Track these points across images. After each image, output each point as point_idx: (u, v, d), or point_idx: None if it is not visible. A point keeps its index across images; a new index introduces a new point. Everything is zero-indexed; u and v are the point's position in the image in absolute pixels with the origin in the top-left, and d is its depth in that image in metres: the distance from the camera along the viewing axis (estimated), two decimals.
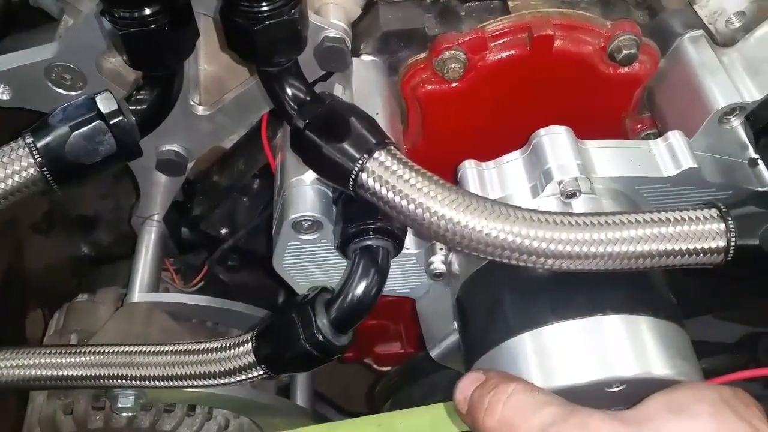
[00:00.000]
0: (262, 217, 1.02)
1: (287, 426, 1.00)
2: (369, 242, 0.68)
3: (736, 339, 1.11)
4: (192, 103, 0.83)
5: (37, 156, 0.63)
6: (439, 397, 0.91)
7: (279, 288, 1.16)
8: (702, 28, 0.78)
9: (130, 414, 0.91)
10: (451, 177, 0.74)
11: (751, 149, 0.74)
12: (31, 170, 0.63)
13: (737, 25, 0.75)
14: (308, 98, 0.64)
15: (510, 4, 0.76)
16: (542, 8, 0.76)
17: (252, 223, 1.02)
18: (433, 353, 0.84)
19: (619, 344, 0.60)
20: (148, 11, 0.59)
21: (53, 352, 0.83)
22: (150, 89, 0.66)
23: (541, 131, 0.71)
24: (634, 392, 0.59)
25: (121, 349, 0.81)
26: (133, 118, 0.66)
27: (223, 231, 1.06)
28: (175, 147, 0.87)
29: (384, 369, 1.27)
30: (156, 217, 1.01)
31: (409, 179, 0.60)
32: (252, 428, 1.05)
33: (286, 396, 1.10)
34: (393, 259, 0.76)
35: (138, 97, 0.67)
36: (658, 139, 0.72)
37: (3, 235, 1.14)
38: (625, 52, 0.76)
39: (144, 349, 0.80)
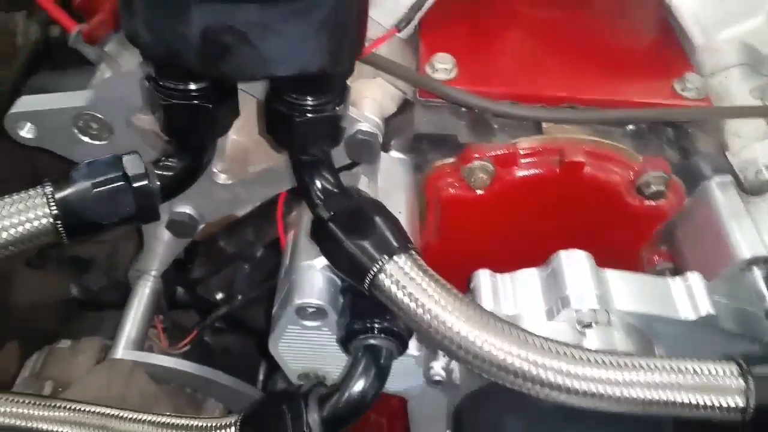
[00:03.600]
0: (261, 289, 1.01)
1: None
2: (373, 341, 0.66)
3: None
4: (214, 170, 0.83)
5: (54, 208, 0.61)
6: None
7: (261, 359, 1.13)
8: (731, 174, 0.78)
9: None
10: (462, 280, 0.73)
11: None
12: (44, 221, 0.62)
13: (767, 176, 0.76)
14: (336, 190, 0.64)
15: (544, 125, 0.77)
16: (575, 134, 0.76)
17: (250, 293, 1.00)
18: None
19: None
20: (194, 86, 0.59)
21: (26, 402, 0.80)
22: (179, 158, 0.65)
23: (562, 255, 0.70)
24: None
25: (98, 410, 0.77)
26: (158, 183, 0.65)
27: (219, 296, 1.04)
28: (188, 210, 0.86)
29: None
30: (154, 273, 0.99)
31: (427, 288, 0.59)
32: None
33: None
34: None
35: (166, 163, 0.66)
36: (677, 278, 0.71)
37: None
38: (653, 187, 0.76)
39: (122, 414, 0.76)
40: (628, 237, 0.82)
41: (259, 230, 0.94)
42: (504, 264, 0.74)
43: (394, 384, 0.78)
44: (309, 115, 0.59)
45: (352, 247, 0.61)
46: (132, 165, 0.62)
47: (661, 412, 0.58)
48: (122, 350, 0.94)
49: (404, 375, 0.77)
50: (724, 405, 0.57)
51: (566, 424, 0.61)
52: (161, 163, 0.65)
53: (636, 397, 0.57)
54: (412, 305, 0.59)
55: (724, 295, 0.74)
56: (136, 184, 0.62)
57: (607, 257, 0.72)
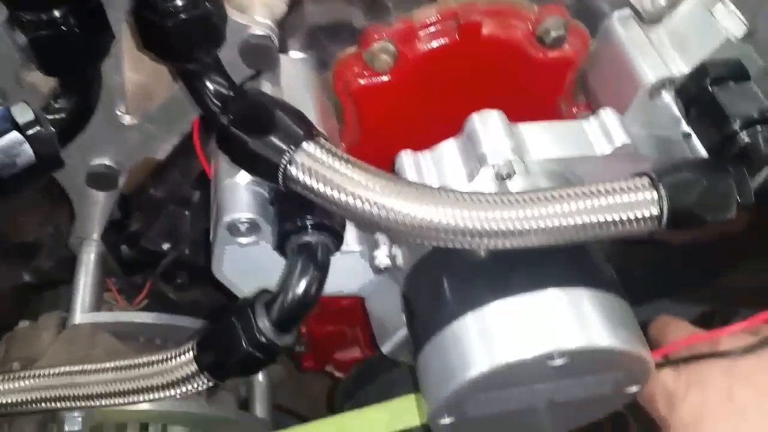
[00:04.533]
0: (204, 229, 1.00)
1: None
2: (307, 239, 0.66)
3: (693, 318, 1.13)
4: (118, 113, 0.81)
5: None
6: (396, 393, 0.90)
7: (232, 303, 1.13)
8: (629, 7, 0.78)
9: None
10: (391, 170, 0.73)
11: (683, 123, 0.75)
12: None
13: (663, 3, 0.76)
14: (231, 94, 0.63)
15: None
16: None
17: (194, 235, 0.99)
18: (385, 349, 0.83)
19: (561, 317, 0.59)
20: (56, 13, 0.57)
21: None
22: (67, 96, 0.64)
23: (474, 116, 0.70)
24: (576, 364, 0.59)
25: (62, 370, 0.78)
26: (52, 128, 0.63)
27: (165, 246, 1.03)
28: (105, 160, 0.85)
29: (345, 376, 1.25)
30: (94, 236, 0.98)
31: (338, 169, 0.59)
32: None
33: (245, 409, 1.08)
34: (338, 258, 0.75)
35: (56, 105, 0.65)
36: (591, 117, 0.72)
37: None
38: (553, 34, 0.76)
39: (85, 368, 0.77)
40: (541, 91, 0.82)
41: (185, 168, 0.92)
42: (431, 143, 0.74)
43: (347, 285, 0.80)
44: (182, 16, 0.57)
45: (258, 145, 0.60)
46: (21, 114, 0.61)
47: (583, 237, 0.59)
48: (79, 315, 0.94)
49: (353, 273, 0.78)
50: (640, 217, 0.59)
51: (498, 268, 0.62)
52: (50, 107, 0.64)
53: (554, 226, 0.58)
54: (328, 189, 0.59)
55: (641, 125, 0.75)
56: (29, 132, 0.61)
57: (526, 116, 0.73)
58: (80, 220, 0.95)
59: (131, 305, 1.04)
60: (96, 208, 0.93)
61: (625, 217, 0.59)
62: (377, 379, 0.96)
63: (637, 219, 0.59)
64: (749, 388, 0.65)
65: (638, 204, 0.59)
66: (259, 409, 1.09)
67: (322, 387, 1.38)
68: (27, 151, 0.61)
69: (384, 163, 0.70)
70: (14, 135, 0.61)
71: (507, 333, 0.59)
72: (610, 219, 0.59)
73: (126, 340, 0.96)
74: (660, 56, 0.74)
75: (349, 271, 0.78)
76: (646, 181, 0.60)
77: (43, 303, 1.10)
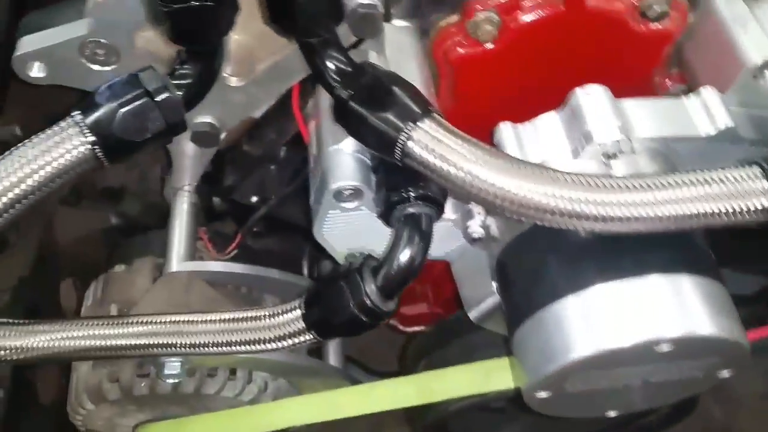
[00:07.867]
0: (293, 185, 1.03)
1: (321, 386, 1.03)
2: (413, 209, 0.69)
3: (755, 291, 1.13)
4: (225, 74, 0.83)
5: (88, 134, 0.63)
6: (476, 357, 0.93)
7: (300, 252, 1.18)
8: None
9: (176, 380, 0.93)
10: (484, 139, 0.75)
11: None
12: (83, 149, 0.64)
13: None
14: (349, 69, 0.65)
15: None
16: None
17: (284, 191, 1.03)
18: (472, 315, 0.86)
19: (664, 304, 0.61)
20: None
21: (102, 323, 0.85)
22: (193, 64, 0.66)
23: (578, 91, 0.71)
24: (680, 351, 0.61)
25: (169, 319, 0.82)
26: (179, 94, 0.66)
27: (254, 200, 1.07)
28: (208, 119, 0.88)
29: (408, 329, 1.29)
30: (188, 188, 1.02)
31: (456, 147, 0.61)
32: (289, 389, 1.08)
33: (318, 358, 1.13)
34: None
35: (181, 71, 0.67)
36: (691, 95, 0.72)
37: (33, 211, 1.16)
38: (656, 8, 0.76)
39: (192, 318, 0.81)
40: (638, 64, 0.82)
41: (281, 128, 0.95)
42: (524, 115, 0.75)
43: (436, 250, 0.82)
44: None
45: (376, 121, 0.62)
46: (150, 80, 0.64)
47: (691, 225, 0.60)
48: (176, 264, 0.99)
49: (444, 240, 0.80)
50: (752, 208, 0.59)
51: (602, 251, 0.64)
52: (177, 73, 0.67)
53: (667, 214, 0.59)
54: (445, 166, 0.61)
55: (740, 105, 0.74)
56: (158, 98, 0.63)
57: (621, 88, 0.73)
58: (177, 172, 0.99)
59: (220, 254, 1.09)
60: (193, 162, 0.97)
61: (734, 208, 0.59)
62: (456, 341, 0.99)
63: (748, 210, 0.59)
64: None
65: (749, 194, 0.59)
66: (333, 359, 1.14)
67: (378, 334, 1.41)
68: (158, 117, 0.64)
69: (474, 131, 0.71)
70: (146, 101, 0.64)
71: (610, 318, 0.61)
72: (719, 208, 0.59)
73: (216, 287, 1.01)
74: (766, 35, 0.74)
75: (440, 237, 0.80)
76: (757, 170, 0.61)
77: (133, 247, 1.16)
